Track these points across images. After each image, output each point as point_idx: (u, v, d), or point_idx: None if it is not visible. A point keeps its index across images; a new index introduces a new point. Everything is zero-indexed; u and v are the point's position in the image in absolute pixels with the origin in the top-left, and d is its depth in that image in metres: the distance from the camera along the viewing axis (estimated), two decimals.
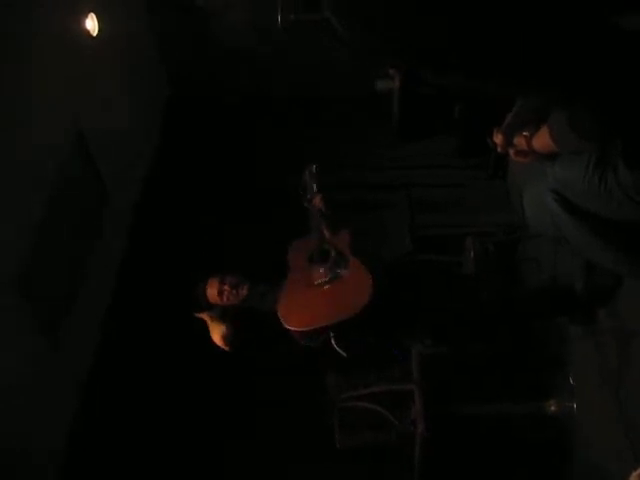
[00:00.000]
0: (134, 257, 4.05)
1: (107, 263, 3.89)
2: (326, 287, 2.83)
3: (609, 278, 2.65)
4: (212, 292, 2.96)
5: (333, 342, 2.84)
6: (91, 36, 3.78)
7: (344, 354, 2.87)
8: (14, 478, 2.87)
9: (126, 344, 3.67)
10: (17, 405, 2.89)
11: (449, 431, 3.02)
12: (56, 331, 3.26)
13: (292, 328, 2.75)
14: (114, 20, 4.01)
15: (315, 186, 3.07)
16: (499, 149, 1.92)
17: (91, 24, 3.77)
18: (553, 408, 3.01)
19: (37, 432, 3.07)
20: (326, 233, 3.04)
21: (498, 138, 1.90)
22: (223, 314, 2.97)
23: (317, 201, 3.09)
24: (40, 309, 3.14)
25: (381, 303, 2.72)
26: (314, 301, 2.81)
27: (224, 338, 2.93)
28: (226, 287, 2.94)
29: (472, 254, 3.24)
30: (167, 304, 3.56)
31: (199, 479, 3.47)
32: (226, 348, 2.94)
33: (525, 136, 1.83)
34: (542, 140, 1.75)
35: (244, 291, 2.96)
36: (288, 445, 3.39)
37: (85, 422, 3.39)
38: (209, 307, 3.00)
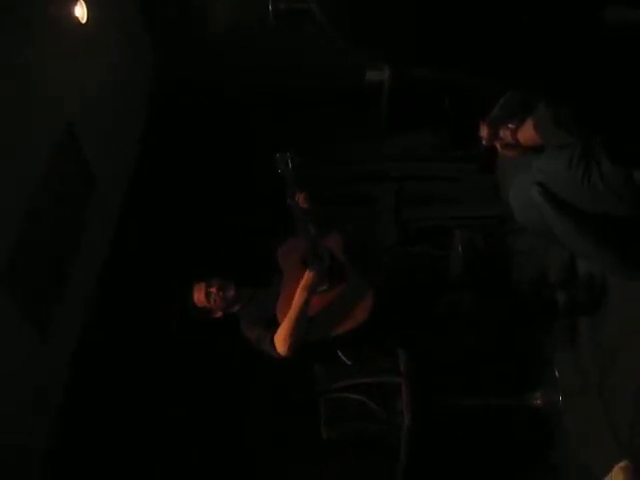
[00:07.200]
0: (121, 248, 4.02)
1: (94, 254, 3.85)
2: (327, 295, 2.78)
3: (597, 273, 2.66)
4: (199, 296, 2.93)
5: (339, 352, 2.92)
6: (80, 23, 3.75)
7: (349, 363, 2.94)
8: None
9: (114, 333, 3.65)
10: (4, 396, 2.88)
11: (435, 424, 3.03)
12: (44, 321, 3.23)
13: None
14: (103, 7, 3.98)
15: (295, 181, 2.81)
16: (485, 142, 1.92)
17: (80, 11, 3.74)
18: (539, 401, 3.03)
19: (22, 425, 3.06)
20: (312, 233, 2.93)
21: (484, 131, 1.90)
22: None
23: (301, 200, 2.94)
24: (27, 299, 3.10)
25: (380, 310, 2.72)
26: (316, 308, 2.75)
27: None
28: (213, 289, 2.91)
29: (460, 247, 3.23)
30: (153, 296, 3.55)
31: (186, 475, 3.47)
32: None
33: (511, 129, 1.84)
34: (527, 133, 1.76)
35: (231, 292, 2.93)
36: (274, 435, 3.41)
37: (70, 415, 3.36)
38: (202, 312, 2.96)
